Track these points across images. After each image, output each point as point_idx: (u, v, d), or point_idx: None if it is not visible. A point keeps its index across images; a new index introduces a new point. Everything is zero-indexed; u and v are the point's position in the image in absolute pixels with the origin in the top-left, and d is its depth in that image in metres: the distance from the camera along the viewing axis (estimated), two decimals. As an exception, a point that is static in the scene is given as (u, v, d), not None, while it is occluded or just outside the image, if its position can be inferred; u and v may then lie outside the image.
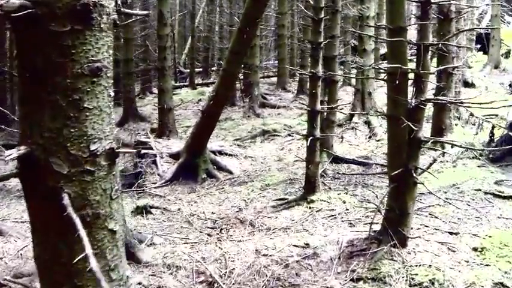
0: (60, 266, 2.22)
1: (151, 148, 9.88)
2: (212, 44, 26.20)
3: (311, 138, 6.86)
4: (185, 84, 23.93)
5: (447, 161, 7.90)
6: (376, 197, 6.86)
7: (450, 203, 5.89)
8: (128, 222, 6.05)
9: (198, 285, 4.81)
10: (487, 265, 4.46)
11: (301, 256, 5.10)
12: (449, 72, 8.76)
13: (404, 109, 4.56)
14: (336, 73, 9.52)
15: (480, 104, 4.77)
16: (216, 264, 5.13)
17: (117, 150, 2.25)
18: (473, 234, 5.08)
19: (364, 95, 12.52)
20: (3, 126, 6.48)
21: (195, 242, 5.86)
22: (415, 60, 4.51)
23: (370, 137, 11.26)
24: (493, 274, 4.28)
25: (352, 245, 5.12)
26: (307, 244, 5.38)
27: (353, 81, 15.36)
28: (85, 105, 2.15)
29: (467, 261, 4.54)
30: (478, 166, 7.43)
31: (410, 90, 4.61)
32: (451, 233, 5.17)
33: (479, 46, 20.48)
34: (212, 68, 26.16)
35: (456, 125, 9.88)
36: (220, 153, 10.16)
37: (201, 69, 26.07)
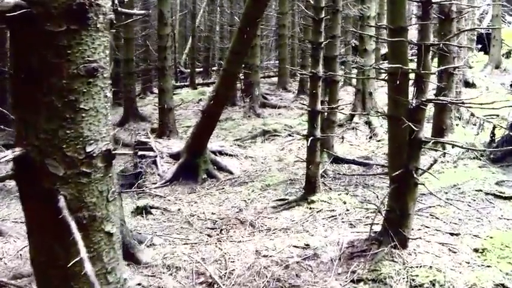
0: (57, 269, 2.20)
1: (151, 148, 9.86)
2: (213, 43, 26.21)
3: (311, 138, 6.84)
4: (186, 84, 23.94)
5: (448, 162, 7.88)
6: (377, 197, 6.85)
7: (451, 204, 5.87)
8: (128, 222, 6.03)
9: (197, 286, 4.79)
10: (488, 266, 4.44)
11: (301, 257, 5.08)
12: (450, 73, 8.73)
13: (405, 109, 4.54)
14: (337, 73, 9.51)
15: (481, 104, 4.74)
16: (216, 265, 5.12)
17: (113, 152, 2.23)
18: (474, 235, 5.06)
19: (364, 95, 12.49)
20: (2, 127, 6.46)
21: (195, 243, 5.85)
22: (416, 60, 4.49)
23: (370, 137, 11.24)
24: (494, 275, 4.26)
25: (352, 246, 5.10)
26: (307, 245, 5.37)
27: (354, 81, 15.34)
28: (81, 106, 2.12)
29: (468, 263, 4.52)
30: (479, 167, 7.40)
31: (411, 90, 4.59)
32: (451, 234, 5.14)
33: (480, 46, 20.44)
34: (213, 68, 26.18)
35: (457, 125, 9.85)
36: (221, 153, 10.15)
37: (201, 69, 26.10)
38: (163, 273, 5.01)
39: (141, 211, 7.03)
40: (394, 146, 5.09)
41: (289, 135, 12.09)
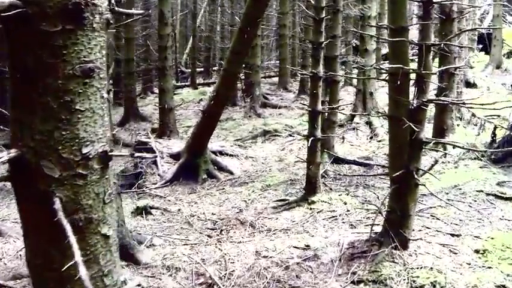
0: (52, 271, 2.17)
1: (151, 148, 9.85)
2: (213, 43, 26.22)
3: (312, 138, 6.82)
4: (186, 84, 23.97)
5: (449, 162, 7.85)
6: (378, 198, 6.82)
7: (452, 205, 5.85)
8: (128, 223, 6.02)
9: (197, 287, 4.78)
10: (489, 267, 4.42)
11: (301, 258, 5.06)
12: (451, 73, 8.71)
13: (406, 110, 4.52)
14: (337, 73, 9.49)
15: (482, 104, 4.72)
16: (215, 266, 5.10)
17: (110, 154, 2.20)
18: (475, 236, 5.03)
19: (365, 95, 12.47)
20: (2, 127, 6.45)
21: (195, 243, 5.83)
22: (416, 60, 4.47)
23: (371, 138, 11.22)
24: (495, 277, 4.24)
25: (353, 247, 5.09)
26: (307, 246, 5.35)
27: (354, 81, 15.32)
28: (77, 107, 2.10)
29: (469, 264, 4.50)
30: (480, 167, 7.37)
31: (412, 90, 4.57)
32: (452, 235, 5.12)
33: (481, 46, 20.42)
34: (213, 68, 26.18)
35: (458, 125, 9.83)
36: (221, 153, 10.14)
37: (202, 69, 26.12)
38: (163, 274, 5.00)
39: (141, 211, 7.02)
40: (394, 146, 5.07)
41: (290, 135, 12.07)
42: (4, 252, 5.72)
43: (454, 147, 8.07)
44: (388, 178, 5.71)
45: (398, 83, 4.66)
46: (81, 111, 2.11)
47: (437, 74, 8.42)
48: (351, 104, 12.91)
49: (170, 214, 7.14)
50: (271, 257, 5.14)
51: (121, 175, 8.77)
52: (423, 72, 4.36)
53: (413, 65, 4.63)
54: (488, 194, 6.24)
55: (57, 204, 2.03)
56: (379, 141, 10.75)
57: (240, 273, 4.89)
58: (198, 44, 26.16)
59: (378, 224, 5.14)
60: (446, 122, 8.98)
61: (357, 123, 12.10)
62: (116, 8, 2.19)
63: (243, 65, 12.32)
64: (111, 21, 2.19)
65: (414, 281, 4.27)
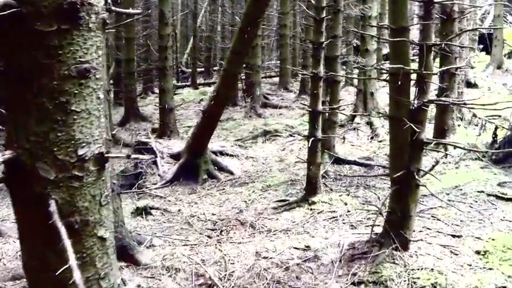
0: (48, 274, 2.15)
1: (152, 149, 9.84)
2: (214, 43, 26.22)
3: (312, 139, 6.81)
4: (187, 84, 23.97)
5: (449, 163, 7.83)
6: (378, 198, 6.80)
7: (453, 205, 5.84)
8: (128, 223, 6.00)
9: (197, 287, 4.75)
10: (490, 269, 4.40)
11: (301, 259, 5.05)
12: (452, 73, 8.68)
13: (407, 110, 4.51)
14: (338, 73, 9.47)
15: (483, 105, 4.70)
16: (215, 267, 5.09)
17: (106, 155, 2.17)
18: (476, 237, 5.02)
19: (366, 96, 12.45)
20: (1, 127, 6.45)
21: (195, 244, 5.81)
22: (417, 60, 4.46)
23: (372, 138, 11.19)
24: (496, 278, 4.22)
25: (353, 248, 5.07)
26: (308, 246, 5.34)
27: (355, 81, 15.28)
28: (72, 108, 2.06)
29: (470, 265, 4.49)
30: (481, 167, 7.36)
31: (413, 90, 4.55)
32: (453, 236, 5.11)
33: (481, 46, 20.38)
34: (214, 68, 26.17)
35: (459, 125, 9.80)
36: (221, 153, 10.12)
37: (203, 69, 26.13)
38: (163, 274, 4.98)
39: (141, 212, 7.00)
40: (395, 146, 5.05)
41: (290, 135, 12.05)
42: (4, 253, 5.70)
43: (455, 148, 8.04)
44: (388, 179, 5.69)
45: (399, 83, 4.64)
46: (77, 112, 2.08)
47: (438, 74, 8.38)
48: (352, 104, 12.89)
49: (170, 214, 7.12)
50: (271, 258, 5.13)
51: (121, 175, 8.75)
52: (424, 72, 4.34)
53: (414, 65, 4.62)
54: (489, 195, 6.22)
55: (53, 207, 2.00)
56: (380, 141, 10.73)
57: (240, 274, 4.87)
58: (199, 44, 26.16)
59: (378, 225, 5.12)
60: (447, 123, 8.95)
61: (358, 123, 12.07)
62: (113, 8, 2.17)
63: (244, 65, 12.31)
64: (111, 21, 2.16)
65: (415, 282, 4.25)
